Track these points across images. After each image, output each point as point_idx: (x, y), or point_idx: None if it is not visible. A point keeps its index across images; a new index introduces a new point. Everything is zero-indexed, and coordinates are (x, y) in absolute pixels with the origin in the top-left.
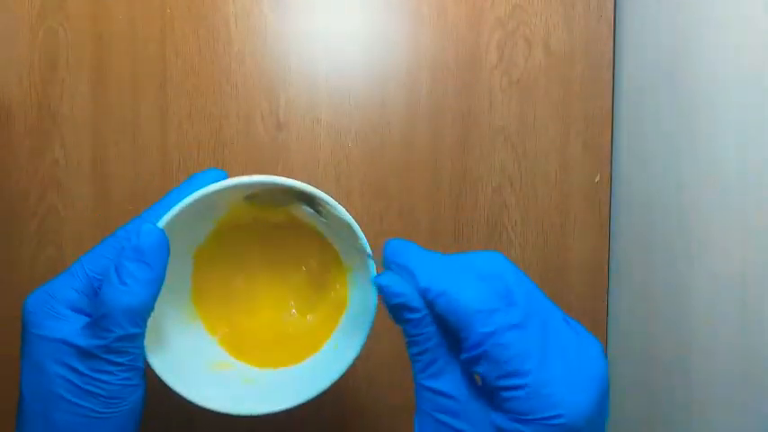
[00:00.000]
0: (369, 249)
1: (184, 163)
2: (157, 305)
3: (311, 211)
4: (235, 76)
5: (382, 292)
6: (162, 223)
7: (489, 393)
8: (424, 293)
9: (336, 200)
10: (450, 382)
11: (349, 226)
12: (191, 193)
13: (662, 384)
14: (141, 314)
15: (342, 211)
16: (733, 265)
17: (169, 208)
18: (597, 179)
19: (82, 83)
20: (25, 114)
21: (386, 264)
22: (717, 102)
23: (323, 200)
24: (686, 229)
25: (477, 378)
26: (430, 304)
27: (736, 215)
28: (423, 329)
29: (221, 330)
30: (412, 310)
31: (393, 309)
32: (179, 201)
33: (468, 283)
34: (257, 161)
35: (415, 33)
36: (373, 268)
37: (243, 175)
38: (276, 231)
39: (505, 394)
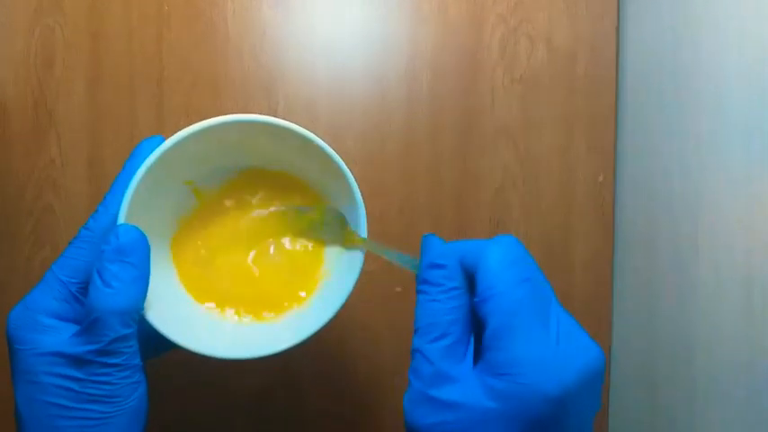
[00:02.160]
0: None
1: None
2: None
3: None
4: (232, 74)
5: (431, 247)
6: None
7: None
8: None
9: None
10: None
11: (337, 167)
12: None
13: (665, 382)
14: (131, 314)
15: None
16: (737, 263)
17: (124, 188)
18: (601, 178)
19: (78, 81)
20: (21, 113)
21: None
22: (721, 100)
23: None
24: (690, 227)
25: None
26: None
27: (740, 213)
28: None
29: (198, 282)
30: (445, 267)
31: (431, 266)
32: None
33: (499, 250)
34: None
35: (415, 30)
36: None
37: None
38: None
39: (493, 344)
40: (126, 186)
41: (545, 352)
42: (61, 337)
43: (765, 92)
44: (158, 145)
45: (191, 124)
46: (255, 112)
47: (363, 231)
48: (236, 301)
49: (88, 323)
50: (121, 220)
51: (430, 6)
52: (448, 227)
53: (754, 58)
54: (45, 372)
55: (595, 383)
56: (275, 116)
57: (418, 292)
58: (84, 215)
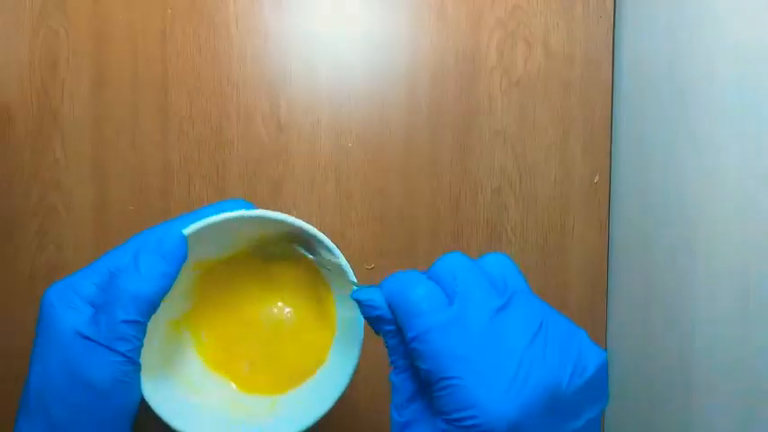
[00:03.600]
0: (354, 279)
1: (184, 163)
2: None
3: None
4: (235, 77)
5: (360, 305)
6: (187, 231)
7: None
8: (386, 299)
9: (336, 203)
10: (407, 385)
11: (339, 265)
12: (217, 212)
13: (661, 382)
14: (147, 304)
15: (338, 253)
16: (733, 264)
17: (196, 220)
18: (596, 180)
19: (82, 83)
20: (26, 115)
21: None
22: (716, 101)
23: (326, 246)
24: (686, 228)
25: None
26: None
27: (735, 214)
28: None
29: (214, 354)
30: (387, 321)
31: (370, 321)
32: (206, 216)
33: (416, 283)
34: (257, 162)
35: (414, 34)
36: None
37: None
38: (271, 262)
39: (436, 393)
40: (211, 215)
41: (479, 392)
42: (82, 317)
43: (760, 93)
44: (240, 207)
45: (196, 128)
46: (257, 114)
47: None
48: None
49: (105, 300)
50: (188, 231)
51: (429, 10)
52: (446, 228)
53: (750, 60)
54: (58, 347)
55: (553, 407)
56: (277, 117)
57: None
58: (89, 216)
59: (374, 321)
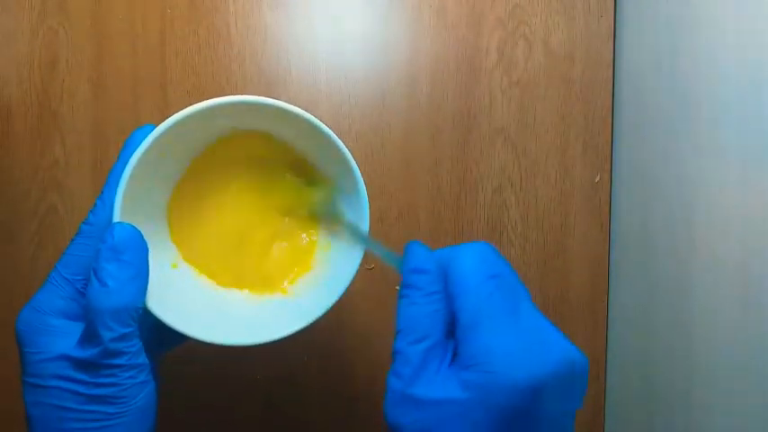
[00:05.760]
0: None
1: None
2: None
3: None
4: (235, 77)
5: (413, 253)
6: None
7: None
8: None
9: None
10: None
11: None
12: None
13: (662, 380)
14: (128, 312)
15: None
16: (734, 262)
17: (118, 180)
18: (597, 179)
19: (82, 83)
20: (25, 114)
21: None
22: (717, 100)
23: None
24: (687, 228)
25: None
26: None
27: (736, 213)
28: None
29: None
30: (427, 272)
31: (414, 271)
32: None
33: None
34: None
35: (414, 33)
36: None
37: None
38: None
39: (464, 338)
40: (119, 178)
41: (513, 343)
42: (67, 340)
43: (761, 92)
44: (149, 133)
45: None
46: None
47: (365, 223)
48: (237, 275)
49: (88, 324)
50: (116, 214)
51: (429, 10)
52: (446, 227)
53: (751, 59)
54: (52, 375)
55: (572, 382)
56: None
57: (400, 296)
58: None
59: (416, 272)
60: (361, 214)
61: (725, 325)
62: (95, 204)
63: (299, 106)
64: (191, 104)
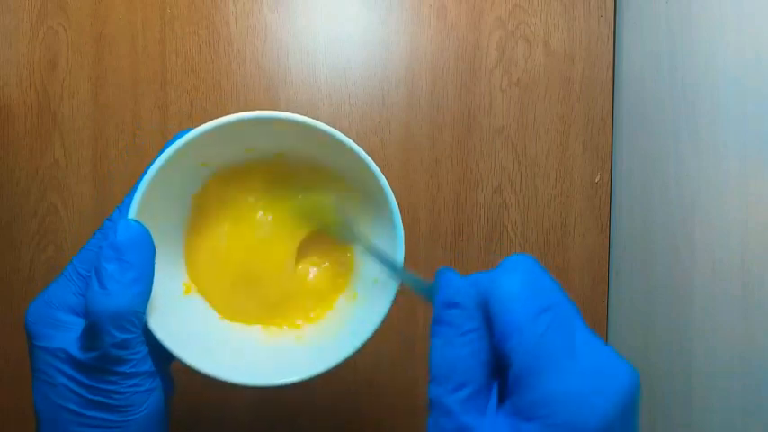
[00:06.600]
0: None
1: None
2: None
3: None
4: (235, 76)
5: (446, 283)
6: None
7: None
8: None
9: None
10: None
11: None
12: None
13: (662, 381)
14: (128, 318)
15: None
16: (734, 262)
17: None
18: (597, 179)
19: (82, 83)
20: (25, 114)
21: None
22: (717, 100)
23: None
24: (687, 227)
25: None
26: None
27: (736, 213)
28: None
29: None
30: (462, 306)
31: (447, 305)
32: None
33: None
34: None
35: (414, 33)
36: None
37: None
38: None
39: (519, 386)
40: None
41: (576, 386)
42: (72, 335)
43: (761, 92)
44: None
45: (193, 126)
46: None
47: (400, 253)
48: (248, 310)
49: (86, 327)
50: (132, 214)
51: (429, 9)
52: (446, 227)
53: (751, 59)
54: (57, 370)
55: (635, 405)
56: None
57: (433, 334)
58: (88, 216)
59: (449, 306)
60: (394, 244)
61: (724, 325)
62: (123, 201)
63: (299, 106)
64: (190, 104)
